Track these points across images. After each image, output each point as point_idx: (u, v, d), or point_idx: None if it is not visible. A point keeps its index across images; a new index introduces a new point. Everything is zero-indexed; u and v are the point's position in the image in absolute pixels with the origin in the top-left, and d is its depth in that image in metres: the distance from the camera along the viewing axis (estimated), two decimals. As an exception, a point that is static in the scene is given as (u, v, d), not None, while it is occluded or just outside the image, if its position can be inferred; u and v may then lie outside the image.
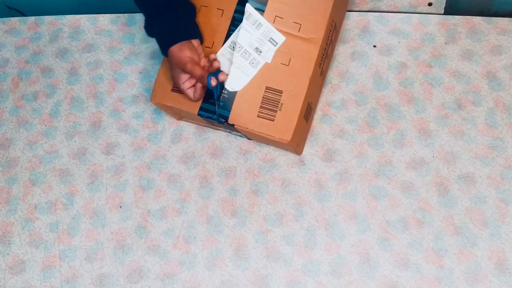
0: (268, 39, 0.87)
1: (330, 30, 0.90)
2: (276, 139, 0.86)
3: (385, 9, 1.09)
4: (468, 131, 0.97)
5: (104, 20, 1.15)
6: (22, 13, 1.35)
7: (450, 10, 1.07)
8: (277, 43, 0.87)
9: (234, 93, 0.88)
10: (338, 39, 1.02)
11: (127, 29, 1.13)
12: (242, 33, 0.87)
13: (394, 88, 1.02)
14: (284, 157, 0.98)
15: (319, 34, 0.87)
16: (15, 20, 1.18)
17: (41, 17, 1.17)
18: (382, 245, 0.90)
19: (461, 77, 1.02)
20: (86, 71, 1.10)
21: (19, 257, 0.95)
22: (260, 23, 0.87)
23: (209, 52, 0.90)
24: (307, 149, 0.98)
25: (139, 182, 0.99)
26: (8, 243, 0.96)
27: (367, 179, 0.95)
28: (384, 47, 1.05)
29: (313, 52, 0.87)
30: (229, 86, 0.88)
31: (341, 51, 1.03)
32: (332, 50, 0.98)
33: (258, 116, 0.87)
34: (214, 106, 0.88)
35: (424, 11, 1.08)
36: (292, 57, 0.87)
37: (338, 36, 1.00)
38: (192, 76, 0.88)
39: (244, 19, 0.87)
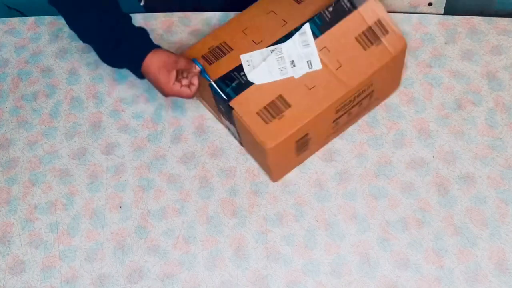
0: (307, 60, 0.88)
1: (363, 91, 0.90)
2: (259, 141, 0.86)
3: (385, 9, 1.09)
4: (468, 131, 0.97)
5: (104, 20, 1.14)
6: (22, 13, 1.35)
7: (450, 10, 1.07)
8: (311, 67, 0.88)
9: (251, 83, 0.88)
10: (367, 111, 0.99)
11: (127, 29, 1.13)
12: (289, 43, 0.89)
13: (394, 88, 1.02)
14: (284, 157, 0.98)
15: (351, 83, 0.87)
16: (15, 20, 1.18)
17: (41, 17, 1.17)
18: (382, 245, 0.90)
19: (461, 77, 1.02)
20: (86, 71, 1.10)
21: (19, 258, 0.95)
22: (308, 44, 0.88)
23: (255, 47, 0.91)
24: (307, 149, 0.98)
25: (139, 182, 0.99)
26: (8, 244, 0.96)
27: (367, 179, 0.95)
28: (384, 47, 1.05)
29: (336, 94, 0.87)
30: (251, 75, 0.88)
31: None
32: (358, 115, 0.97)
33: (257, 113, 0.87)
34: (226, 86, 0.89)
35: (424, 11, 1.09)
36: (316, 86, 0.87)
37: (372, 107, 0.98)
38: (181, 66, 0.89)
39: (297, 33, 0.89)
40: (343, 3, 0.88)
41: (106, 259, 0.93)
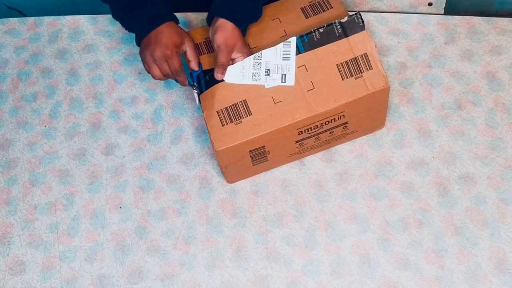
0: (282, 73, 0.87)
1: (333, 119, 0.88)
2: (211, 139, 0.86)
3: (385, 9, 1.09)
4: (468, 131, 0.97)
5: (104, 20, 1.15)
6: (21, 13, 1.35)
7: (450, 10, 1.07)
8: (284, 82, 0.87)
9: (221, 80, 0.88)
10: (344, 141, 0.97)
11: (126, 29, 1.13)
12: (270, 51, 0.88)
13: (393, 88, 1.02)
14: (284, 158, 0.98)
15: (317, 109, 0.86)
16: (14, 21, 1.18)
17: (41, 17, 1.17)
18: (382, 246, 0.90)
19: (460, 77, 1.02)
20: (86, 72, 1.10)
21: (19, 258, 0.95)
22: (289, 57, 0.87)
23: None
24: (307, 149, 0.98)
25: (139, 182, 0.99)
26: (8, 244, 0.96)
27: (367, 179, 0.95)
28: (384, 47, 1.05)
29: (300, 115, 0.86)
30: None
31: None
32: (331, 142, 0.95)
33: (217, 112, 0.87)
34: (202, 78, 0.91)
35: (424, 11, 1.08)
36: (283, 102, 0.86)
37: (350, 138, 0.96)
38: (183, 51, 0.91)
39: (282, 43, 0.88)
40: (335, 28, 0.87)
41: (106, 260, 0.93)
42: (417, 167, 0.95)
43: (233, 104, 0.87)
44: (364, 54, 0.86)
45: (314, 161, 0.97)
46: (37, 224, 0.97)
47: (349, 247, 0.90)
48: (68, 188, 1.00)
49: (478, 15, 1.06)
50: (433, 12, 1.08)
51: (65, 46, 1.13)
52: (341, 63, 0.87)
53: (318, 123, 0.88)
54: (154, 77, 0.90)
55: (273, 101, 0.87)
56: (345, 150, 0.97)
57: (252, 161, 0.92)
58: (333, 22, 0.87)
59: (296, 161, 0.97)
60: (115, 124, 1.05)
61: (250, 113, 0.87)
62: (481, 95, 1.00)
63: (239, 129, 0.86)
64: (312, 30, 0.87)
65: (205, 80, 0.90)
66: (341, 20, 0.87)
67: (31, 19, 1.17)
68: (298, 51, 0.88)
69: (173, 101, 1.05)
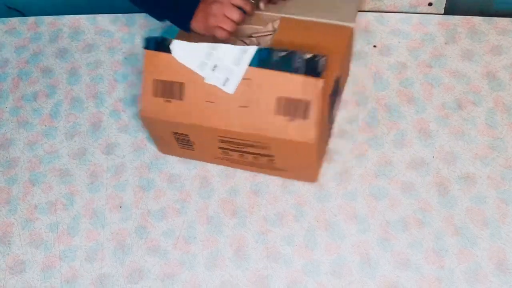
0: (226, 76, 0.82)
1: (254, 146, 0.86)
2: (141, 101, 0.88)
3: (385, 9, 1.09)
4: (468, 131, 0.97)
5: (104, 20, 1.15)
6: (21, 13, 1.35)
7: (450, 10, 1.07)
8: (223, 86, 0.83)
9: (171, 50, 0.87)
10: (273, 173, 0.95)
11: (127, 29, 1.13)
12: (227, 48, 0.83)
13: (394, 88, 1.02)
14: (284, 157, 0.98)
15: (237, 128, 0.83)
16: (15, 21, 1.18)
17: (41, 17, 1.17)
18: (382, 245, 0.90)
19: (461, 77, 1.02)
20: (86, 71, 1.10)
21: (19, 257, 0.95)
22: (240, 64, 0.82)
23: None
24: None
25: (139, 182, 0.99)
26: (8, 243, 0.96)
27: (367, 179, 0.95)
28: (384, 47, 1.05)
29: (220, 124, 0.84)
30: (176, 43, 0.85)
31: (341, 51, 1.03)
32: (254, 166, 0.93)
33: (153, 80, 0.87)
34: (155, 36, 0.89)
35: (424, 11, 1.09)
36: (213, 104, 0.84)
37: (278, 173, 0.94)
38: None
39: (240, 47, 0.82)
40: (297, 58, 0.79)
41: (106, 259, 0.93)
42: (417, 167, 0.95)
43: (170, 81, 0.86)
44: (308, 101, 0.80)
45: (315, 161, 0.97)
46: (38, 224, 0.97)
47: (349, 247, 0.90)
48: (69, 188, 1.00)
49: (478, 15, 1.06)
50: (433, 12, 1.08)
51: (66, 46, 1.14)
52: (282, 98, 0.81)
53: (239, 141, 0.86)
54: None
55: (205, 99, 0.84)
56: (345, 150, 0.97)
57: (178, 143, 0.93)
58: (296, 52, 0.79)
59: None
60: (116, 124, 1.05)
61: (181, 98, 0.86)
62: (482, 95, 1.00)
63: (166, 107, 0.87)
64: (274, 48, 0.81)
65: (156, 40, 0.86)
66: (304, 56, 0.79)
67: (31, 19, 1.17)
68: (252, 64, 0.81)
69: (173, 100, 1.05)
